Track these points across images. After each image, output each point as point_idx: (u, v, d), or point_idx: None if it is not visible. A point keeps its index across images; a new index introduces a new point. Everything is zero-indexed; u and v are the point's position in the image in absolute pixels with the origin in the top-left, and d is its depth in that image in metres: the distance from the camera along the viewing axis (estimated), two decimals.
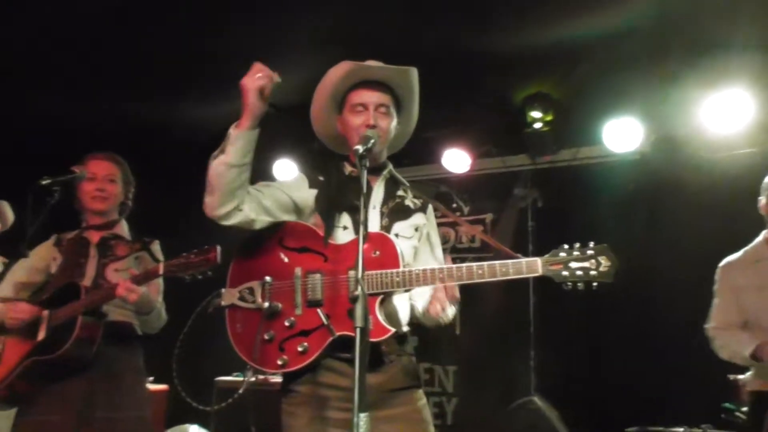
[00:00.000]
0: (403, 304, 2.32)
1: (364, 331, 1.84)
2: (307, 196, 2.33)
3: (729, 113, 4.21)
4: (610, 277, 2.01)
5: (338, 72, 2.31)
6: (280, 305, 2.18)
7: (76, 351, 2.73)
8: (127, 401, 2.89)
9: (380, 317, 2.09)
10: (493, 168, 5.33)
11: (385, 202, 2.34)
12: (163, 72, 4.45)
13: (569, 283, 2.05)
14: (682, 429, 3.60)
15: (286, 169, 5.43)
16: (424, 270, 2.09)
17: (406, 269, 2.11)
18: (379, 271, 2.09)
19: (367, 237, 2.15)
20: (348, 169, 2.39)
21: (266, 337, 2.17)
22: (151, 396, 3.29)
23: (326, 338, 2.13)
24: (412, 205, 2.38)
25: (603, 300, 4.72)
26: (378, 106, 2.29)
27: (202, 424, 4.60)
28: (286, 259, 2.24)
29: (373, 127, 2.25)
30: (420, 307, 2.31)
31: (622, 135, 4.59)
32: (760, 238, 3.15)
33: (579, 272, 2.04)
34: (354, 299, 1.85)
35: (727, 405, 3.58)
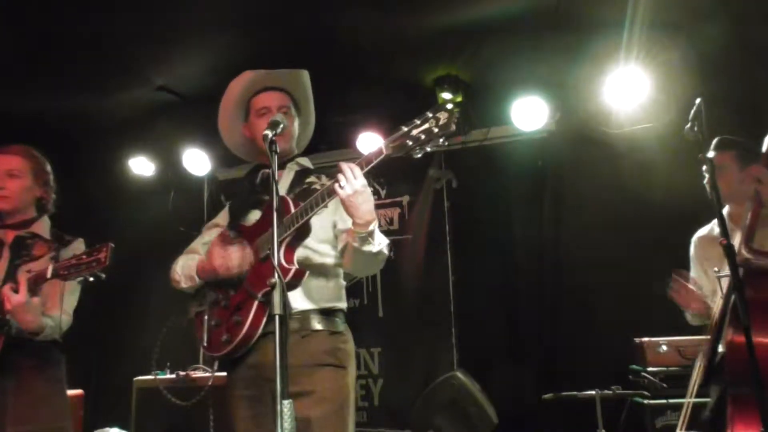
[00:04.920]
0: (322, 282, 2.38)
1: (283, 318, 1.84)
2: (224, 212, 2.58)
3: (627, 90, 4.37)
4: (450, 126, 1.99)
5: (241, 81, 2.53)
6: (216, 294, 2.35)
7: None
8: (41, 413, 2.68)
9: (282, 258, 2.14)
10: None
11: (291, 189, 2.46)
12: (54, 60, 4.19)
13: (417, 149, 2.08)
14: (593, 392, 3.73)
15: (196, 158, 5.29)
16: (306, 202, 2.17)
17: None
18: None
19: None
20: (258, 177, 2.51)
21: (213, 323, 2.34)
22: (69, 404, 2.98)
23: (251, 304, 2.21)
24: (320, 187, 2.36)
25: (517, 275, 4.91)
26: (280, 107, 2.48)
27: (122, 426, 4.47)
28: None
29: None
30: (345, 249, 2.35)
31: (528, 114, 4.70)
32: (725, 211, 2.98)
33: (422, 136, 2.05)
34: (272, 286, 1.85)
35: (633, 366, 3.77)
